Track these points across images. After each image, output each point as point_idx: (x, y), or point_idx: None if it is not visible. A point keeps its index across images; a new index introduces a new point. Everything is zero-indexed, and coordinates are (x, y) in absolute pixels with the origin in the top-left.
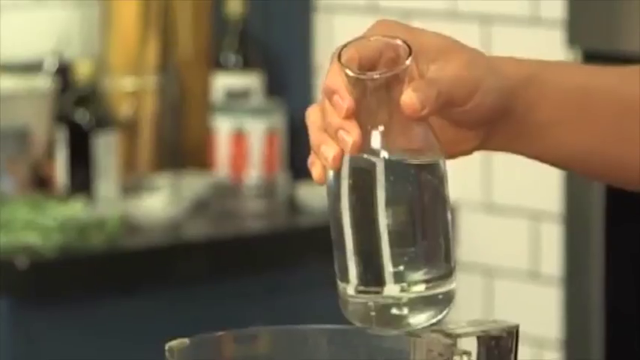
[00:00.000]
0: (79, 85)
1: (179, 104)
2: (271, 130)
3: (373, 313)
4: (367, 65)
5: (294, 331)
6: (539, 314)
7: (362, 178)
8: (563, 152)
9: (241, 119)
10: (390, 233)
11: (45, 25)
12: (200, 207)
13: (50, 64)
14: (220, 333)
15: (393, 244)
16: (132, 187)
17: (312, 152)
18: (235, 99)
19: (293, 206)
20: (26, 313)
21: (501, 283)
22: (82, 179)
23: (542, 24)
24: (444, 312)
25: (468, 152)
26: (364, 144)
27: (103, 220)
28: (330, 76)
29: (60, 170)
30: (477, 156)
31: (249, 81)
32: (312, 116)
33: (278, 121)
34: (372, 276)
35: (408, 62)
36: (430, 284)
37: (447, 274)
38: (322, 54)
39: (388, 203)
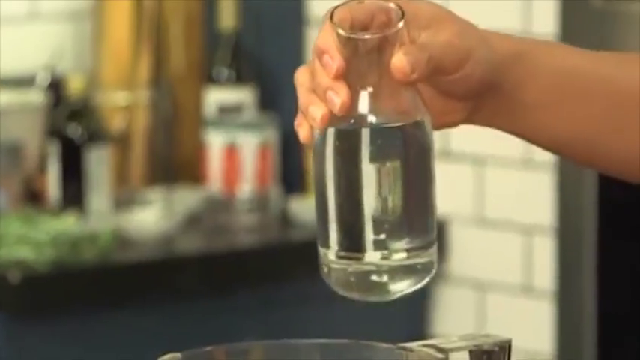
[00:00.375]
0: (72, 100)
1: (171, 119)
2: (264, 145)
3: (353, 279)
4: (359, 27)
5: (286, 345)
6: (531, 328)
7: (348, 141)
8: (548, 135)
9: (234, 133)
10: (373, 199)
11: (38, 40)
12: (192, 221)
13: (43, 79)
14: (212, 347)
15: (375, 211)
16: (124, 201)
17: (299, 113)
18: (228, 113)
19: (285, 220)
20: (19, 327)
21: (494, 297)
22: (74, 193)
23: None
24: (424, 281)
25: (454, 124)
26: (352, 105)
27: (95, 234)
28: (321, 36)
29: (52, 184)
30: (469, 170)
31: (242, 95)
32: (301, 77)
33: (270, 135)
34: (353, 242)
35: (400, 25)
36: (411, 253)
37: (428, 245)
38: None
39: (373, 168)
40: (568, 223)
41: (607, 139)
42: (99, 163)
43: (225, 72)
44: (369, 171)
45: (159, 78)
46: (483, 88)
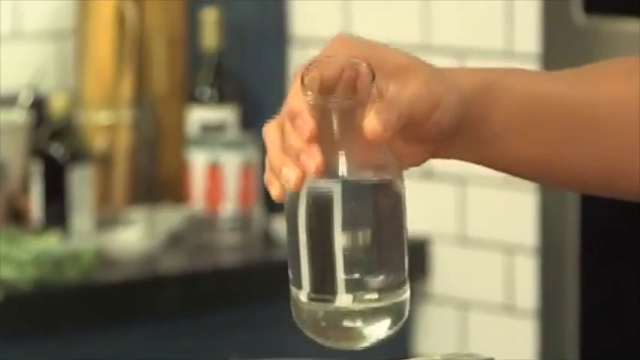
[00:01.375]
0: (54, 119)
1: (154, 138)
2: (246, 164)
3: (324, 324)
4: (329, 84)
5: None
6: (514, 347)
7: (321, 199)
8: (511, 161)
9: (216, 153)
10: (345, 251)
11: (20, 59)
12: (175, 240)
13: (25, 98)
14: None
15: (347, 258)
16: (107, 220)
17: (268, 169)
18: (210, 132)
19: (268, 239)
20: (1, 346)
21: (476, 317)
22: (56, 213)
23: (516, 57)
24: (398, 324)
25: (419, 164)
26: (325, 165)
27: (78, 253)
28: (292, 98)
29: (35, 204)
30: (451, 189)
31: (225, 114)
32: (271, 134)
33: (253, 154)
34: (324, 284)
35: (371, 87)
36: (383, 294)
37: (401, 285)
38: None
39: (345, 225)
40: (550, 243)
41: (567, 158)
42: (81, 182)
43: (207, 91)
44: (340, 230)
45: (141, 97)
46: (452, 130)
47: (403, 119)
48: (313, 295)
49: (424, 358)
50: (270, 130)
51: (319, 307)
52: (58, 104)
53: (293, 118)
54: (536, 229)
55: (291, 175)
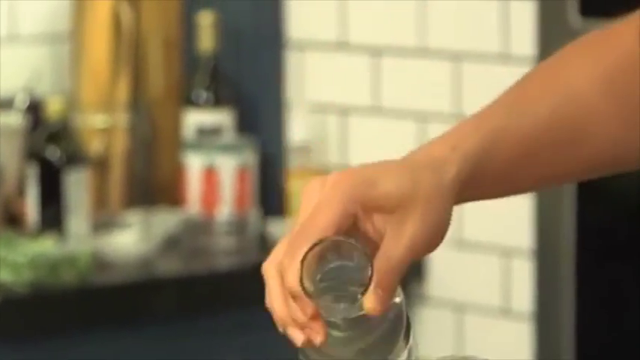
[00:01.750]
0: (50, 122)
1: (150, 141)
2: (242, 167)
3: None
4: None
5: None
6: (510, 350)
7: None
8: (520, 189)
9: (212, 156)
10: None
11: (16, 62)
12: (171, 244)
13: (21, 101)
14: None
15: None
16: (103, 223)
17: (269, 304)
18: (206, 136)
19: (264, 243)
20: None
21: (472, 319)
22: (53, 216)
23: (513, 60)
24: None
25: None
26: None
27: (74, 256)
28: (292, 279)
29: (31, 207)
30: None
31: (220, 118)
32: (270, 273)
33: (249, 157)
34: None
35: (368, 274)
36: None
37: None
38: (293, 91)
39: None
40: (547, 246)
41: (566, 172)
42: (77, 185)
43: (203, 94)
44: None
45: (137, 100)
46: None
47: (402, 272)
48: None
49: None
50: (269, 270)
51: None
52: (54, 107)
53: (294, 296)
54: (533, 231)
55: (297, 338)
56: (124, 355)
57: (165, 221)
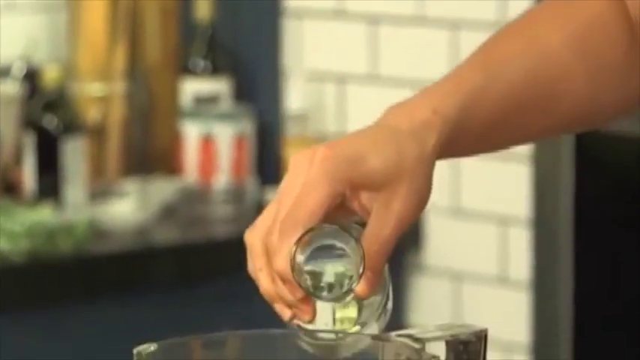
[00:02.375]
0: (47, 91)
1: (147, 110)
2: (240, 135)
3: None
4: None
5: (263, 335)
6: (507, 319)
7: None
8: (497, 147)
9: (210, 124)
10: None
11: (12, 31)
12: (169, 212)
13: (18, 70)
14: (188, 338)
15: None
16: (100, 192)
17: (250, 267)
18: (204, 104)
19: (261, 211)
20: None
21: (470, 288)
22: (50, 185)
23: None
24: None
25: None
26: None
27: (71, 225)
28: (282, 265)
29: (28, 176)
30: (445, 161)
31: (218, 86)
32: (252, 239)
33: (247, 126)
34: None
35: (360, 271)
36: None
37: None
38: (291, 59)
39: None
40: (544, 214)
41: (543, 127)
42: (75, 154)
43: (201, 63)
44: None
45: (134, 69)
46: None
47: (390, 251)
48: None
49: (418, 329)
50: (253, 237)
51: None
52: (51, 76)
53: (282, 279)
54: (530, 200)
55: (284, 314)
56: (121, 323)
57: (162, 190)
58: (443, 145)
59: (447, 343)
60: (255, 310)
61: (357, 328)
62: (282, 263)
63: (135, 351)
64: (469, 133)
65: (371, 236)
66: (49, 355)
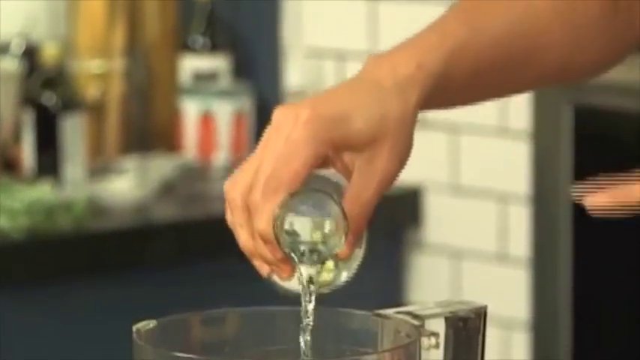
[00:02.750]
0: (46, 68)
1: (146, 87)
2: (239, 112)
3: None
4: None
5: (262, 312)
6: (507, 296)
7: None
8: (475, 100)
9: (209, 101)
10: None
11: (11, 8)
12: (168, 189)
13: (17, 47)
14: (187, 314)
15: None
16: (99, 169)
17: (229, 220)
18: (203, 81)
19: None
20: None
21: (469, 265)
22: (49, 162)
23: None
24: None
25: None
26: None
27: (70, 202)
28: (264, 226)
29: (27, 153)
30: (444, 137)
31: (217, 63)
32: (233, 193)
33: (246, 103)
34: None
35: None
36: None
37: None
38: (290, 35)
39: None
40: (543, 191)
41: (522, 81)
42: (74, 131)
43: (200, 40)
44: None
45: (134, 46)
46: None
47: (371, 213)
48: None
49: (417, 306)
50: (235, 200)
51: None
52: (50, 53)
53: (262, 239)
54: (530, 177)
55: (262, 269)
56: (120, 300)
57: (161, 167)
58: (425, 99)
59: (447, 319)
60: (254, 287)
61: (330, 277)
62: (263, 224)
63: (134, 328)
64: (452, 87)
65: (353, 198)
66: (48, 331)
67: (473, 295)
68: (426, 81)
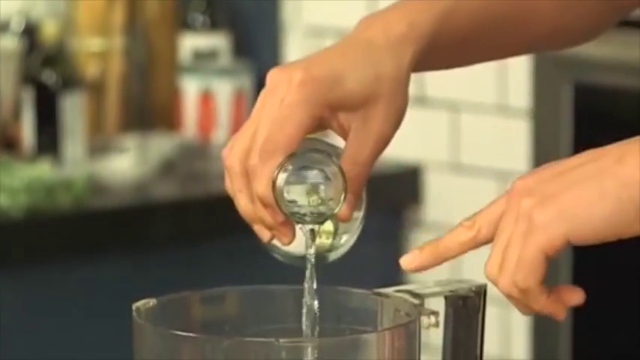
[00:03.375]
0: (46, 46)
1: (146, 65)
2: (239, 91)
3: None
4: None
5: (261, 291)
6: None
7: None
8: (462, 64)
9: (209, 80)
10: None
11: None
12: (168, 168)
13: (16, 25)
14: (187, 293)
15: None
16: (99, 147)
17: (229, 187)
18: (203, 59)
19: None
20: None
21: None
22: (49, 140)
23: None
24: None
25: None
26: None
27: (70, 181)
28: (263, 189)
29: (27, 131)
30: (445, 116)
31: (217, 41)
32: (231, 161)
33: (245, 81)
34: None
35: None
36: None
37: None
38: (290, 14)
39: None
40: None
41: (512, 46)
42: (73, 109)
43: (200, 18)
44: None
45: (133, 24)
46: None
47: (369, 173)
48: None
49: (417, 285)
50: (234, 166)
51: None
52: (49, 31)
53: (262, 203)
54: (530, 155)
55: (263, 235)
56: (120, 278)
57: (161, 145)
58: (419, 59)
59: (446, 298)
60: (255, 265)
61: (331, 241)
62: (263, 188)
63: (134, 306)
64: (444, 47)
65: (350, 159)
66: (48, 310)
67: (473, 273)
68: (419, 40)
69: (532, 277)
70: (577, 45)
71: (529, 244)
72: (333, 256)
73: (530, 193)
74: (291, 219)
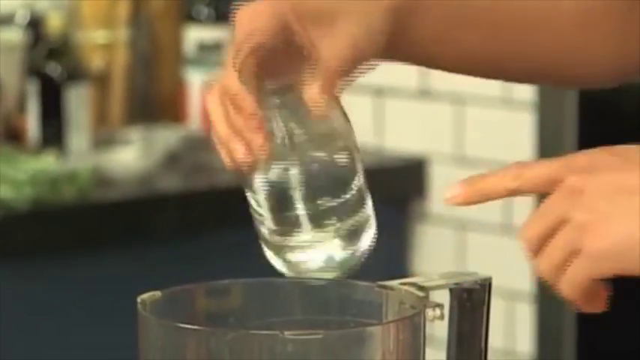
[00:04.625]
0: (51, 38)
1: (151, 57)
2: None
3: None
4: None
5: (266, 283)
6: (512, 267)
7: (277, 180)
8: (444, 61)
9: (213, 72)
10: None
11: None
12: (172, 160)
13: (21, 17)
14: (192, 285)
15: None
16: (104, 140)
17: (216, 140)
18: (207, 52)
19: None
20: None
21: (474, 236)
22: (53, 132)
23: None
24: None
25: None
26: (271, 142)
27: (74, 173)
28: (229, 78)
29: (32, 124)
30: (449, 108)
31: (221, 34)
32: (213, 104)
33: None
34: (285, 222)
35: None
36: (342, 218)
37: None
38: None
39: (305, 198)
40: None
41: (500, 57)
42: (78, 101)
43: (204, 10)
44: (301, 202)
45: (138, 16)
46: (380, 51)
47: (341, 73)
48: (275, 228)
49: (422, 277)
50: (212, 101)
51: (281, 240)
52: (54, 23)
53: (232, 97)
54: (534, 148)
55: (238, 152)
56: (124, 271)
57: (165, 137)
58: (397, 14)
59: (451, 291)
60: (260, 257)
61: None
62: (229, 79)
63: (139, 299)
64: (422, 28)
65: (327, 56)
66: (52, 302)
67: (477, 266)
68: None
69: (584, 299)
70: (599, 85)
71: (579, 272)
72: (357, 259)
73: (582, 201)
74: (264, 119)
